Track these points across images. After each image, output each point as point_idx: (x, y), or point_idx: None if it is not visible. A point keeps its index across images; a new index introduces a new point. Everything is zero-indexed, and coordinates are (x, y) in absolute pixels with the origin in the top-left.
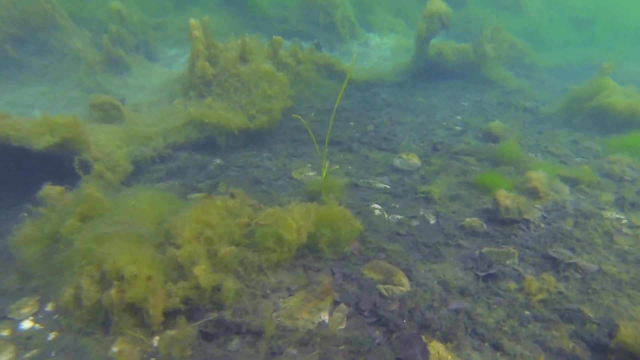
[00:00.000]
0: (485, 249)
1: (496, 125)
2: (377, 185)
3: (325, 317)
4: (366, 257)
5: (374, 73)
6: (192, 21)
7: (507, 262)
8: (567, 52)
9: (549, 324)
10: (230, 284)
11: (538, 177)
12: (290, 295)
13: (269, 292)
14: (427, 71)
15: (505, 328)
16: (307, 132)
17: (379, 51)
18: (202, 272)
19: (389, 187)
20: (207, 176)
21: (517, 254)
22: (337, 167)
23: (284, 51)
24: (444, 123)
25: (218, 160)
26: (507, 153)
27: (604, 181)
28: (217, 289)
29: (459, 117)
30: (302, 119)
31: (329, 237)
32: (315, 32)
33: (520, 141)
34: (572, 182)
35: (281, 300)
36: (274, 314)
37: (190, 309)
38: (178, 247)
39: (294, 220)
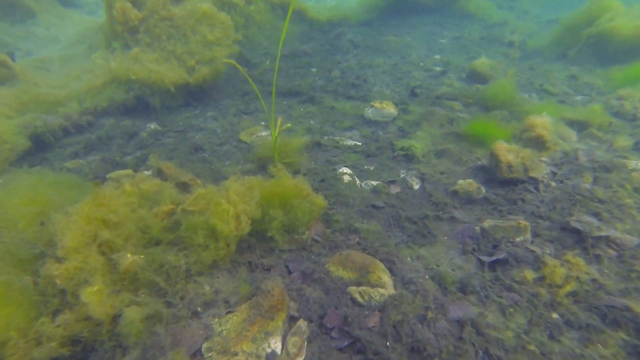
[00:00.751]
0: (487, 223)
1: (482, 62)
2: (345, 142)
3: (276, 345)
4: (333, 243)
5: (339, 11)
6: None
7: (518, 239)
8: None
9: (589, 333)
10: (133, 314)
11: (543, 122)
12: (229, 312)
13: (199, 309)
14: (398, 6)
15: (531, 347)
16: (261, 83)
17: None
18: (94, 297)
19: (360, 144)
20: (137, 146)
21: (529, 228)
22: (289, 125)
23: None
24: (421, 64)
25: (152, 125)
26: (499, 95)
27: (615, 122)
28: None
29: (437, 57)
30: (239, 67)
31: (281, 221)
32: None
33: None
34: (579, 126)
35: (216, 321)
36: (204, 346)
37: (83, 350)
38: (60, 260)
39: (231, 203)
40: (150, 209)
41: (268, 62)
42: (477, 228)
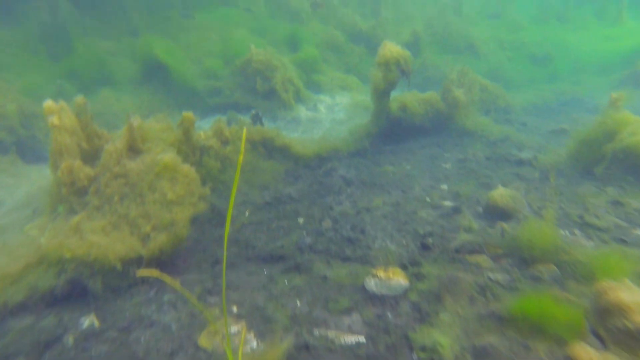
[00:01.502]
0: None
1: (500, 194)
2: (343, 340)
3: None
4: None
5: (327, 143)
6: (47, 103)
7: None
8: (536, 89)
9: None
10: None
11: (634, 299)
12: None
13: None
14: (392, 131)
15: None
16: (237, 244)
17: (332, 114)
18: None
19: (363, 340)
20: None
21: None
22: (250, 352)
23: (205, 131)
24: (427, 199)
25: (87, 320)
26: (537, 241)
27: None
28: None
29: (444, 186)
30: (167, 278)
31: None
32: (254, 101)
33: (539, 211)
34: None
35: None
36: None
37: None
38: None
39: None
40: None
41: (247, 213)
42: None
